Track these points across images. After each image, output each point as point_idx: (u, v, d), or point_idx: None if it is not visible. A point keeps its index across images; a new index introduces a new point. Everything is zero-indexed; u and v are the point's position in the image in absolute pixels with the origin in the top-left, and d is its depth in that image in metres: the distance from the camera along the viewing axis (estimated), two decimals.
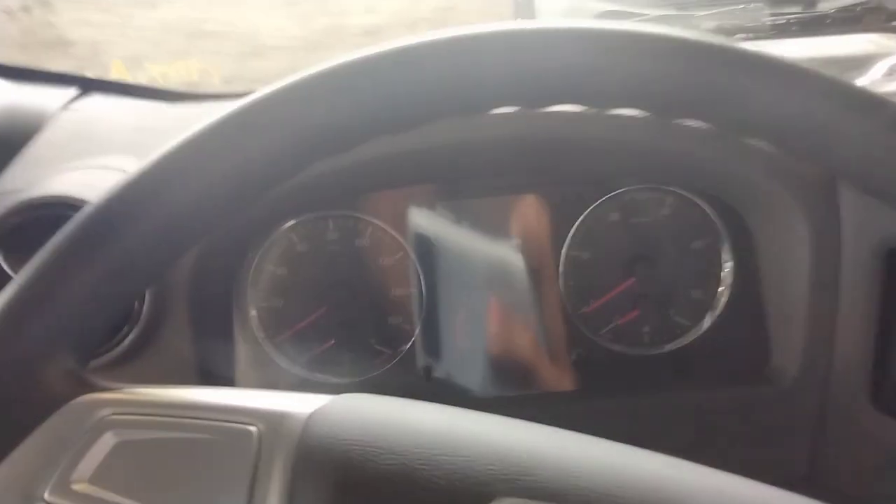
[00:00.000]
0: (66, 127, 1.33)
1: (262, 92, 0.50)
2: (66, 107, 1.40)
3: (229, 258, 1.20)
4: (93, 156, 1.25)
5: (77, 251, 0.48)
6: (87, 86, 1.47)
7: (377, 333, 1.28)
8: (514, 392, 1.28)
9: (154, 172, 0.50)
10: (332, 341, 1.27)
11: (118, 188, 0.50)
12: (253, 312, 1.26)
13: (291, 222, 1.25)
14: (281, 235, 1.25)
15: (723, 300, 1.27)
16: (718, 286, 1.28)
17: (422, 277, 1.26)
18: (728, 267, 1.26)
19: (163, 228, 0.50)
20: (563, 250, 1.25)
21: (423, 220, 1.27)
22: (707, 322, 1.28)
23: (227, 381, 1.23)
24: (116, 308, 0.54)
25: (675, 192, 1.26)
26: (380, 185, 1.23)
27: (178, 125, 0.52)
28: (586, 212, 1.26)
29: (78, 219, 0.50)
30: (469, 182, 1.26)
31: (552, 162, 1.22)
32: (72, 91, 1.45)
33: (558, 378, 1.28)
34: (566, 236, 1.26)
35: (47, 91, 1.45)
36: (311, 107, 0.49)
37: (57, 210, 1.02)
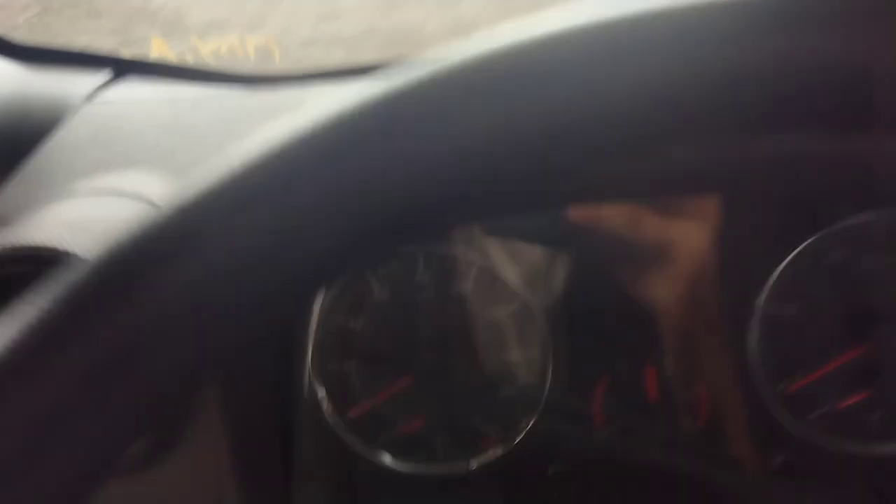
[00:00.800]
0: (83, 127, 1.02)
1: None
2: (91, 97, 1.08)
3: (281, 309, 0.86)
4: (110, 169, 0.93)
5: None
6: (122, 69, 1.14)
7: (482, 410, 0.92)
8: None
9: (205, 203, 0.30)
10: (422, 420, 0.92)
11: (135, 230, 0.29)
12: (316, 381, 0.92)
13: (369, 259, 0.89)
14: (355, 278, 0.90)
15: None
16: None
17: (548, 336, 0.88)
18: None
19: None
20: (760, 302, 0.85)
21: (550, 259, 0.88)
22: None
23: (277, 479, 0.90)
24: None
25: None
26: (491, 212, 0.84)
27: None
28: (799, 248, 0.84)
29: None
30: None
31: (751, 170, 0.80)
32: (102, 76, 1.13)
33: (747, 491, 0.89)
34: (765, 282, 0.84)
35: (75, 77, 1.13)
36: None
37: (27, 266, 0.69)
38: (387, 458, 0.96)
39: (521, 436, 0.92)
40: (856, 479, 0.90)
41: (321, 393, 0.94)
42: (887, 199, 0.82)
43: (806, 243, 0.84)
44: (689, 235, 0.86)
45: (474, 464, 0.93)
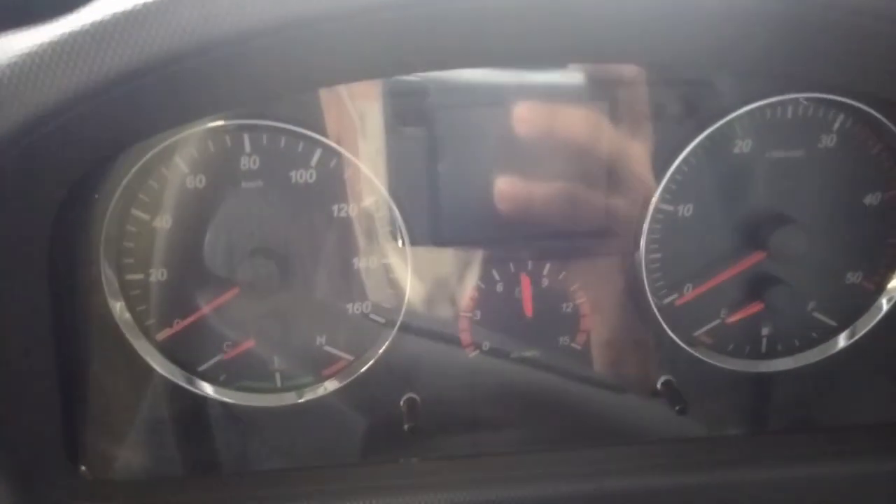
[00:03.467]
0: None
1: None
2: None
3: (68, 203, 0.63)
4: None
5: None
6: None
7: (328, 330, 0.75)
8: (549, 445, 0.78)
9: None
10: (252, 341, 0.74)
11: None
12: (111, 293, 0.71)
13: (175, 137, 0.68)
14: (156, 160, 0.69)
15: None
16: (892, 270, 0.78)
17: (406, 240, 0.72)
18: None
19: None
20: (653, 202, 0.72)
21: (408, 140, 0.71)
22: (867, 324, 0.79)
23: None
24: None
25: (853, 109, 0.72)
26: (337, 77, 0.65)
27: None
28: (697, 139, 0.72)
29: None
30: (478, 83, 0.70)
31: (638, 49, 0.65)
32: None
33: (628, 417, 0.78)
34: (664, 171, 0.72)
35: None
36: None
37: None
38: (208, 389, 0.78)
39: (374, 360, 0.77)
40: (740, 397, 0.82)
41: (118, 309, 0.73)
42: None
43: (710, 129, 0.71)
44: (576, 128, 0.72)
45: (318, 392, 0.77)
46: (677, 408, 0.75)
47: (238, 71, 0.55)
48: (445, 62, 0.62)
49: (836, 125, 0.73)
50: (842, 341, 0.81)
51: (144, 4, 0.48)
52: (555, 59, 0.70)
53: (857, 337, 0.80)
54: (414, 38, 0.55)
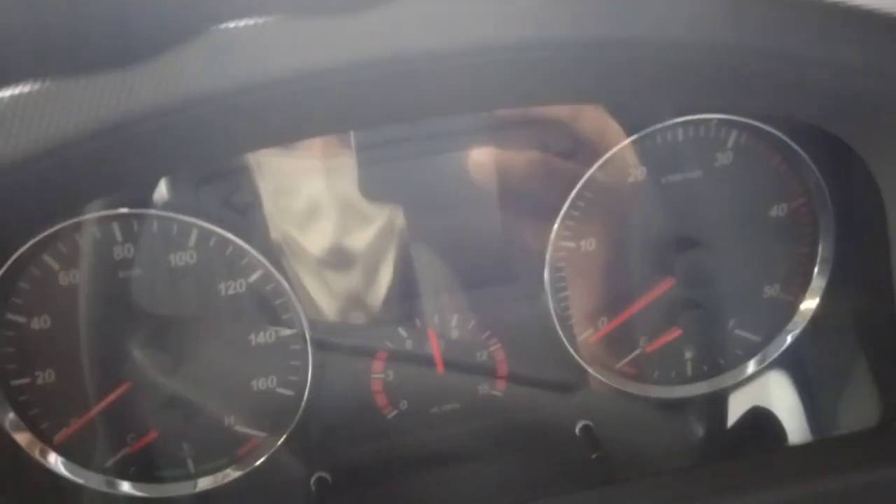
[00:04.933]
0: None
1: None
2: None
3: None
4: None
5: None
6: None
7: (236, 409, 0.72)
8: (480, 499, 0.75)
9: None
10: (155, 432, 0.71)
11: None
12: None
13: (40, 235, 0.65)
14: (23, 260, 0.65)
15: (814, 303, 0.75)
16: (808, 282, 0.76)
17: (299, 309, 0.69)
18: (826, 248, 0.74)
19: None
20: (551, 240, 0.70)
21: (300, 213, 0.69)
22: (787, 339, 0.77)
23: None
24: None
25: (745, 126, 0.70)
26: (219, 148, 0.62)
27: None
28: (587, 174, 0.69)
29: None
30: (382, 133, 0.67)
31: (533, 83, 0.62)
32: None
33: (555, 465, 0.76)
34: (558, 209, 0.69)
35: None
36: None
37: None
38: (125, 487, 0.74)
39: (286, 435, 0.74)
40: (671, 425, 0.80)
41: (9, 417, 0.69)
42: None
43: (606, 156, 0.69)
44: (462, 174, 0.69)
45: (219, 480, 0.74)
46: (594, 456, 0.73)
47: (118, 157, 0.52)
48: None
49: (730, 142, 0.71)
50: (750, 368, 0.79)
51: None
52: (444, 108, 0.67)
53: (766, 362, 0.78)
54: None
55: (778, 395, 0.79)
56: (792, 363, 0.78)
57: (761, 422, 0.79)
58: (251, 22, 0.45)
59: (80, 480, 0.72)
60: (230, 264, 0.69)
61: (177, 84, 0.46)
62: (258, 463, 0.74)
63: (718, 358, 0.79)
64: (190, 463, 0.75)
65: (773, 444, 0.78)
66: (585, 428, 0.75)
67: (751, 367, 0.79)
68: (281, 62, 0.46)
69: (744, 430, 0.79)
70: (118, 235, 0.67)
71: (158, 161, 0.57)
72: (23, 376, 0.69)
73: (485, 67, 0.53)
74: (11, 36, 0.46)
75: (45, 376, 0.70)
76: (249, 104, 0.49)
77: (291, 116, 0.55)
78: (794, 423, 0.78)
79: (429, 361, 0.74)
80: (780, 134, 0.70)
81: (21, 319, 0.68)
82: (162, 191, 0.66)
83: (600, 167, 0.70)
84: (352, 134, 0.67)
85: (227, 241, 0.68)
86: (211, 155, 0.62)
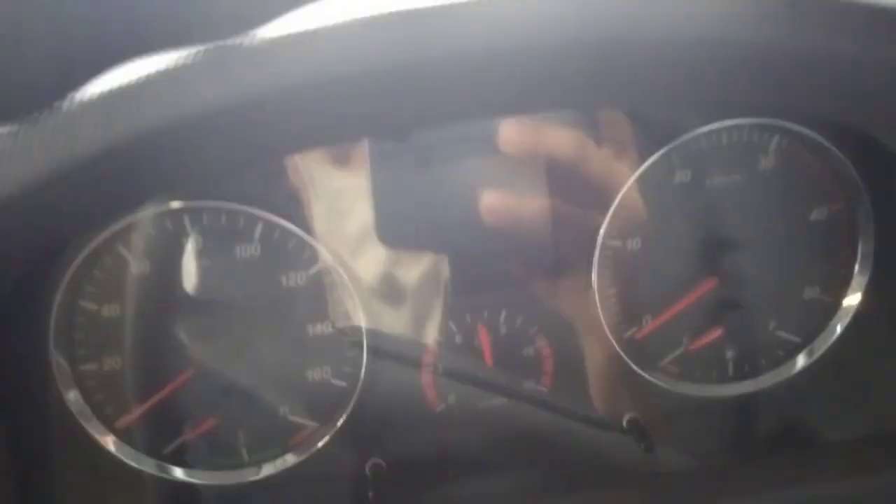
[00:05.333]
0: None
1: None
2: None
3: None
4: None
5: None
6: None
7: (291, 399, 0.74)
8: (522, 497, 0.77)
9: None
10: (214, 419, 0.73)
11: None
12: (64, 385, 0.71)
13: (116, 226, 0.68)
14: (99, 249, 0.68)
15: (854, 306, 0.77)
16: (847, 284, 0.78)
17: (357, 302, 0.72)
18: (867, 246, 0.76)
19: None
20: (599, 238, 0.72)
21: (357, 206, 0.71)
22: (827, 341, 0.79)
23: None
24: None
25: (787, 130, 0.72)
26: (279, 149, 0.65)
27: None
28: (638, 171, 0.72)
29: None
30: (434, 136, 0.70)
31: (579, 86, 0.66)
32: None
33: (601, 458, 0.78)
34: (603, 215, 0.72)
35: None
36: None
37: None
38: (178, 473, 0.76)
39: (338, 426, 0.76)
40: (714, 423, 0.81)
41: (74, 400, 0.72)
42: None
43: (650, 161, 0.72)
44: (515, 174, 0.72)
45: (279, 465, 0.76)
46: (642, 445, 0.74)
47: (185, 153, 0.55)
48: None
49: (773, 147, 0.74)
50: (800, 362, 0.80)
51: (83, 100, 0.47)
52: (496, 107, 0.70)
53: (815, 357, 0.80)
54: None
55: (820, 393, 0.80)
56: (835, 361, 0.80)
57: (805, 420, 0.80)
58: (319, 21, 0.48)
59: (138, 466, 0.75)
60: (292, 257, 0.72)
61: (244, 78, 0.49)
62: (312, 451, 0.76)
63: (759, 358, 0.81)
64: (244, 451, 0.77)
65: (817, 442, 0.79)
66: (633, 420, 0.77)
67: (792, 366, 0.80)
68: (347, 60, 0.49)
69: (787, 429, 0.81)
70: (188, 228, 0.70)
71: (226, 155, 0.61)
72: (90, 362, 0.72)
73: (535, 66, 0.56)
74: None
75: (112, 363, 0.73)
76: (312, 101, 0.52)
77: (354, 114, 0.59)
78: (838, 420, 0.79)
79: (477, 356, 0.77)
80: (820, 138, 0.73)
81: (92, 306, 0.71)
82: (231, 185, 0.70)
83: (646, 168, 0.72)
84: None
85: (291, 234, 0.71)
86: (276, 150, 0.66)
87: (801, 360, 0.80)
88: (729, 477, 0.76)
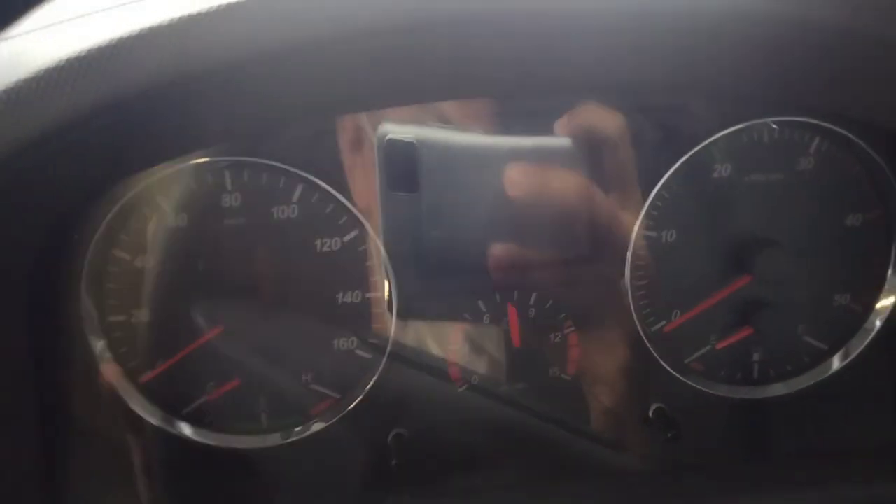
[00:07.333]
0: None
1: None
2: None
3: (37, 242, 0.63)
4: None
5: None
6: None
7: (314, 367, 0.74)
8: (541, 480, 0.76)
9: None
10: (237, 381, 0.73)
11: None
12: (93, 335, 0.70)
13: (157, 175, 0.68)
14: (137, 199, 0.69)
15: (889, 307, 0.77)
16: (880, 290, 0.78)
17: (390, 274, 0.72)
18: None
19: None
20: (635, 228, 0.72)
21: (396, 173, 0.72)
22: (858, 347, 0.78)
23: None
24: None
25: (828, 132, 0.73)
26: (318, 109, 0.66)
27: None
28: (677, 164, 0.72)
29: None
30: (472, 109, 0.71)
31: (613, 74, 0.66)
32: None
33: (619, 449, 0.77)
34: (639, 208, 0.72)
35: None
36: None
37: None
38: (190, 431, 0.76)
39: (361, 397, 0.75)
40: (734, 424, 0.81)
41: (100, 348, 0.72)
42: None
43: (688, 154, 0.72)
44: (558, 161, 0.72)
45: (304, 433, 0.75)
46: (669, 434, 0.74)
47: (231, 102, 0.56)
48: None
49: (813, 148, 0.74)
50: (834, 364, 0.80)
51: (132, 34, 0.48)
52: (541, 88, 0.71)
53: (848, 360, 0.79)
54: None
55: (852, 397, 0.80)
56: (867, 365, 0.79)
57: (831, 424, 0.80)
58: None
59: (156, 421, 0.74)
60: (329, 222, 0.72)
61: (289, 28, 0.49)
62: (334, 420, 0.75)
63: (785, 363, 0.81)
64: (264, 418, 0.76)
65: (847, 445, 0.78)
66: (659, 410, 0.76)
67: (826, 369, 0.80)
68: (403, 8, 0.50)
69: (811, 433, 0.80)
70: (228, 183, 0.70)
71: (268, 110, 0.61)
72: (120, 313, 0.72)
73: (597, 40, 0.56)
74: None
75: (140, 315, 0.72)
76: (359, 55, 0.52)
77: (409, 74, 0.60)
78: (866, 424, 0.79)
79: (505, 336, 0.76)
80: (861, 143, 0.73)
81: (126, 256, 0.71)
82: (274, 144, 0.70)
83: (687, 160, 0.73)
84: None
85: (330, 199, 0.71)
86: (318, 109, 0.66)
87: (835, 363, 0.80)
88: (744, 477, 0.75)
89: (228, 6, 0.47)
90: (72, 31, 0.50)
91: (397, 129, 0.70)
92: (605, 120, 0.70)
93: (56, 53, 0.48)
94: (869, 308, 0.79)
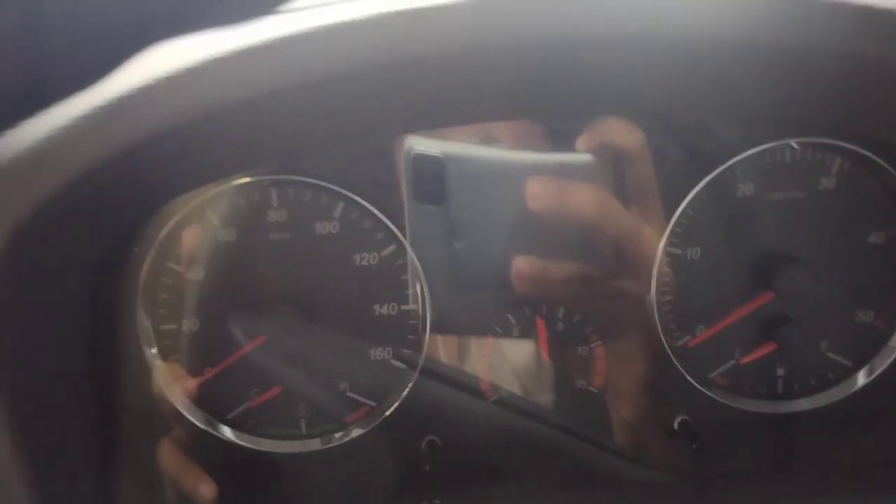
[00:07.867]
0: None
1: None
2: None
3: (98, 255, 0.68)
4: None
5: None
6: None
7: (351, 376, 0.78)
8: (569, 489, 0.79)
9: None
10: (278, 388, 0.77)
11: None
12: (146, 343, 0.75)
13: (208, 193, 0.73)
14: (192, 214, 0.74)
15: None
16: None
17: (424, 287, 0.75)
18: None
19: None
20: (661, 246, 0.75)
21: (429, 191, 0.75)
22: (882, 363, 0.80)
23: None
24: None
25: (850, 152, 0.75)
26: (358, 130, 0.71)
27: None
28: (702, 183, 0.75)
29: None
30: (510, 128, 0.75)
31: (643, 100, 0.70)
32: None
33: (644, 461, 0.79)
34: (665, 225, 0.75)
35: None
36: None
37: None
38: (234, 436, 0.80)
39: (396, 405, 0.79)
40: (758, 438, 0.82)
41: (152, 357, 0.76)
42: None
43: (714, 173, 0.75)
44: (584, 181, 0.75)
45: (343, 438, 0.79)
46: (694, 446, 0.76)
47: (289, 124, 0.60)
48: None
49: (835, 168, 0.77)
50: (859, 381, 0.81)
51: (178, 71, 0.52)
52: (564, 111, 0.75)
53: (873, 376, 0.81)
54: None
55: (872, 414, 0.81)
56: (891, 382, 0.80)
57: (856, 438, 0.81)
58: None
59: (203, 426, 0.78)
60: (367, 237, 0.76)
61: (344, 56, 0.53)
62: (370, 427, 0.79)
63: (809, 378, 0.82)
64: (303, 424, 0.80)
65: (871, 459, 0.79)
66: (684, 423, 0.78)
67: (851, 385, 0.81)
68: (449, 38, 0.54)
69: (834, 448, 0.81)
70: (275, 200, 0.75)
71: (314, 131, 0.66)
72: (171, 322, 0.77)
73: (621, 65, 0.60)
74: None
75: (191, 324, 0.77)
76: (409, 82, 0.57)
77: (457, 99, 0.64)
78: (891, 439, 0.80)
79: (534, 349, 0.79)
80: (882, 162, 0.75)
81: (178, 268, 0.76)
82: (318, 163, 0.75)
83: (711, 179, 0.76)
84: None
85: (369, 215, 0.75)
86: (360, 132, 0.71)
87: (860, 379, 0.81)
88: (767, 489, 0.77)
89: (291, 37, 0.52)
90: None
91: (423, 143, 0.74)
92: (628, 136, 0.73)
93: (111, 89, 0.52)
94: (893, 325, 0.81)
